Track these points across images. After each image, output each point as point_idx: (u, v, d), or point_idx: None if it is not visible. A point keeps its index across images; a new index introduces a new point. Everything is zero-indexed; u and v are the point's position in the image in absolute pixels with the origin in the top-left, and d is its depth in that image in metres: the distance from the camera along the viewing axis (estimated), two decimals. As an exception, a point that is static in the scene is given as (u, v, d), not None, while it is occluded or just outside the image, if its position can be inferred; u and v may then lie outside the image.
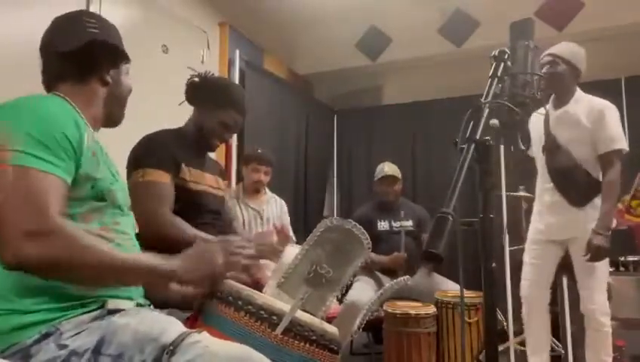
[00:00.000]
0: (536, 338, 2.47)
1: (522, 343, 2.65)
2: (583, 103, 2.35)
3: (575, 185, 2.30)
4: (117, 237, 1.04)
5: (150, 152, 1.66)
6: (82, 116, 1.07)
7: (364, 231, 1.14)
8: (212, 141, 1.83)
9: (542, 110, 2.33)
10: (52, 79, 1.13)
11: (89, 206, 1.00)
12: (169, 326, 0.91)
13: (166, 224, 1.55)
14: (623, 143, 2.26)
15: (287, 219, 3.08)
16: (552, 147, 2.35)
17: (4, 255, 0.84)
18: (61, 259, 0.85)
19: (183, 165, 1.69)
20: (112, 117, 1.21)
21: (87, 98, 1.12)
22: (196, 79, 1.83)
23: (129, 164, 1.67)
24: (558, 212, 2.37)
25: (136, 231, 1.22)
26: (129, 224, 1.13)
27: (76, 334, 0.90)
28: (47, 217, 0.86)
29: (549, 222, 2.40)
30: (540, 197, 2.48)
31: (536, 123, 2.47)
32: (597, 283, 2.28)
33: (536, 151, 2.49)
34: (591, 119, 2.29)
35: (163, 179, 1.62)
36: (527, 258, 2.50)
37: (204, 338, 0.89)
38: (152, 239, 1.31)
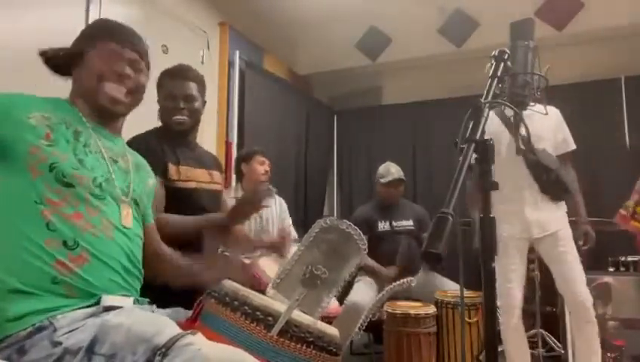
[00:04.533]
0: (520, 344, 2.44)
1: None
2: (538, 107, 2.38)
3: (559, 182, 2.36)
4: (93, 227, 1.04)
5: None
6: (76, 108, 1.17)
7: (360, 231, 1.14)
8: (169, 119, 1.74)
9: (491, 113, 2.30)
10: None
11: (57, 190, 1.02)
12: (163, 327, 0.90)
13: (160, 225, 1.55)
14: (573, 144, 2.49)
15: (288, 219, 3.07)
16: (531, 146, 2.36)
17: None
18: None
19: (170, 164, 1.67)
20: (97, 108, 1.18)
21: (74, 94, 1.19)
22: None
23: None
24: (540, 208, 2.38)
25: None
26: (116, 213, 1.11)
27: (70, 331, 0.91)
28: None
29: (532, 218, 2.38)
30: (515, 195, 2.41)
31: (490, 124, 2.44)
32: (579, 274, 2.31)
33: (498, 149, 2.43)
34: (553, 121, 2.44)
35: None
36: (510, 265, 2.40)
37: (196, 341, 0.88)
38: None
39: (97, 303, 0.99)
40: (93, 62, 1.16)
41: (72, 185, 1.04)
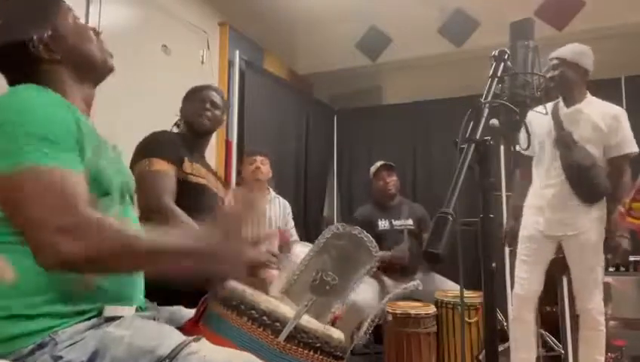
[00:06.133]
0: (525, 337, 2.46)
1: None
2: (597, 105, 2.41)
3: (591, 182, 2.30)
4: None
5: (156, 144, 1.76)
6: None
7: (372, 238, 1.12)
8: (198, 120, 1.92)
9: (541, 108, 2.33)
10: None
11: (93, 200, 0.94)
12: (165, 337, 0.88)
13: (167, 213, 1.59)
14: (634, 147, 2.34)
15: (291, 222, 3.07)
16: (568, 142, 2.35)
17: (42, 257, 0.81)
18: (101, 250, 0.82)
19: (186, 159, 1.78)
20: (95, 72, 1.11)
21: (54, 83, 1.02)
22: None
23: (135, 155, 1.76)
24: (563, 207, 2.36)
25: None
26: (129, 212, 1.08)
27: (71, 345, 0.88)
28: (77, 210, 0.82)
29: (552, 217, 2.38)
30: (541, 191, 2.46)
31: (537, 119, 2.47)
32: (595, 282, 2.29)
33: (540, 147, 2.48)
34: (607, 122, 2.34)
35: (167, 169, 1.70)
36: (521, 256, 2.47)
37: (202, 348, 0.86)
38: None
39: (99, 314, 0.94)
40: (76, 30, 1.07)
41: (108, 193, 0.98)
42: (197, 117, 1.92)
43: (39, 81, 1.00)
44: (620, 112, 2.37)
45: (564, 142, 2.36)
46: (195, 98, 1.96)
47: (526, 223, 2.48)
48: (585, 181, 2.31)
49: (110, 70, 1.13)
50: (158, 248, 0.89)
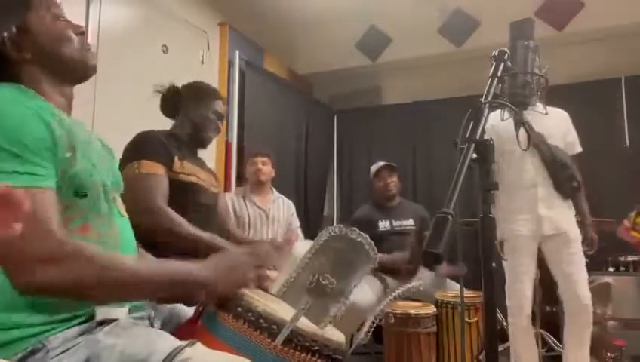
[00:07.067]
0: (528, 340, 2.46)
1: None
2: (549, 108, 2.44)
3: (571, 178, 2.39)
4: (98, 236, 0.95)
5: (145, 145, 1.72)
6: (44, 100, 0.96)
7: (370, 240, 1.10)
8: (208, 133, 1.91)
9: (497, 113, 2.29)
10: None
11: (69, 204, 0.90)
12: (157, 344, 0.86)
13: (160, 216, 1.57)
14: (580, 147, 2.54)
15: (296, 222, 3.06)
16: (546, 142, 2.41)
17: (16, 282, 0.80)
18: (80, 282, 0.82)
19: (176, 158, 1.74)
20: (71, 74, 1.04)
21: (28, 82, 0.97)
22: (163, 91, 1.95)
23: (123, 157, 1.70)
24: (553, 205, 2.40)
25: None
26: (117, 213, 1.03)
27: (63, 352, 0.85)
28: (51, 235, 0.81)
29: (545, 216, 2.40)
30: (524, 193, 2.44)
31: (502, 123, 2.46)
32: (584, 277, 2.35)
33: (512, 149, 2.44)
34: (564, 123, 2.50)
35: (158, 171, 1.67)
36: (520, 267, 2.42)
37: (196, 354, 0.84)
38: (145, 231, 1.28)
39: (91, 317, 0.91)
40: (50, 29, 0.99)
41: (85, 195, 0.92)
42: (206, 126, 1.90)
43: (13, 78, 0.96)
44: (567, 114, 2.54)
45: (542, 142, 2.40)
46: (208, 106, 1.91)
47: (517, 231, 2.43)
48: (566, 177, 2.39)
49: (91, 71, 1.07)
50: (140, 277, 0.89)
